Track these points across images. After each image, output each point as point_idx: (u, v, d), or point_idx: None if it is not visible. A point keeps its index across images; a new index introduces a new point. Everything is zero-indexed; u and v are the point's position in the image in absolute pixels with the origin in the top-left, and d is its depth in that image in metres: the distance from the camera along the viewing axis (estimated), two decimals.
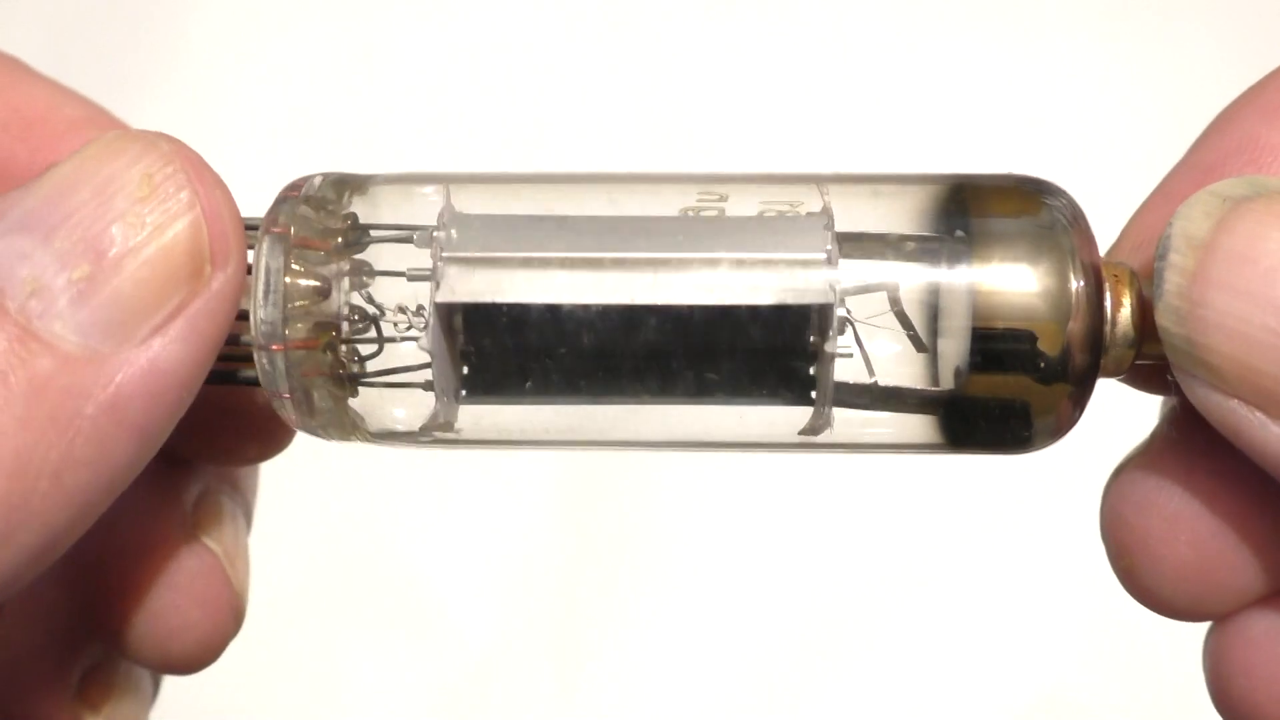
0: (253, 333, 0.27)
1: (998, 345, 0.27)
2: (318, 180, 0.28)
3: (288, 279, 0.27)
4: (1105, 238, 0.29)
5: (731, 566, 0.67)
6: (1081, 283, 0.26)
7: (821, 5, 0.76)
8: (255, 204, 0.28)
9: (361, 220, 0.28)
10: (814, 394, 0.28)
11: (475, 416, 0.29)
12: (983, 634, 0.65)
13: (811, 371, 0.28)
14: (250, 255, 0.27)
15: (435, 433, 0.28)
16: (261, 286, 0.27)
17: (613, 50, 0.75)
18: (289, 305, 0.27)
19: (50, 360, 0.23)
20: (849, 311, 0.27)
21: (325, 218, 0.28)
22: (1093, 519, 0.29)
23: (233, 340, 0.27)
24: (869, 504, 0.67)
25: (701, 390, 0.28)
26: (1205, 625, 0.29)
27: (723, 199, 0.29)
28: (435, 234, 0.28)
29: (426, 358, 0.27)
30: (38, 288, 0.24)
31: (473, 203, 0.29)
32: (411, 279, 0.28)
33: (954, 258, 0.27)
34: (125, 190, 0.24)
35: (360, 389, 0.28)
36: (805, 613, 0.66)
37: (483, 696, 0.65)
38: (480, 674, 0.65)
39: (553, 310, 0.27)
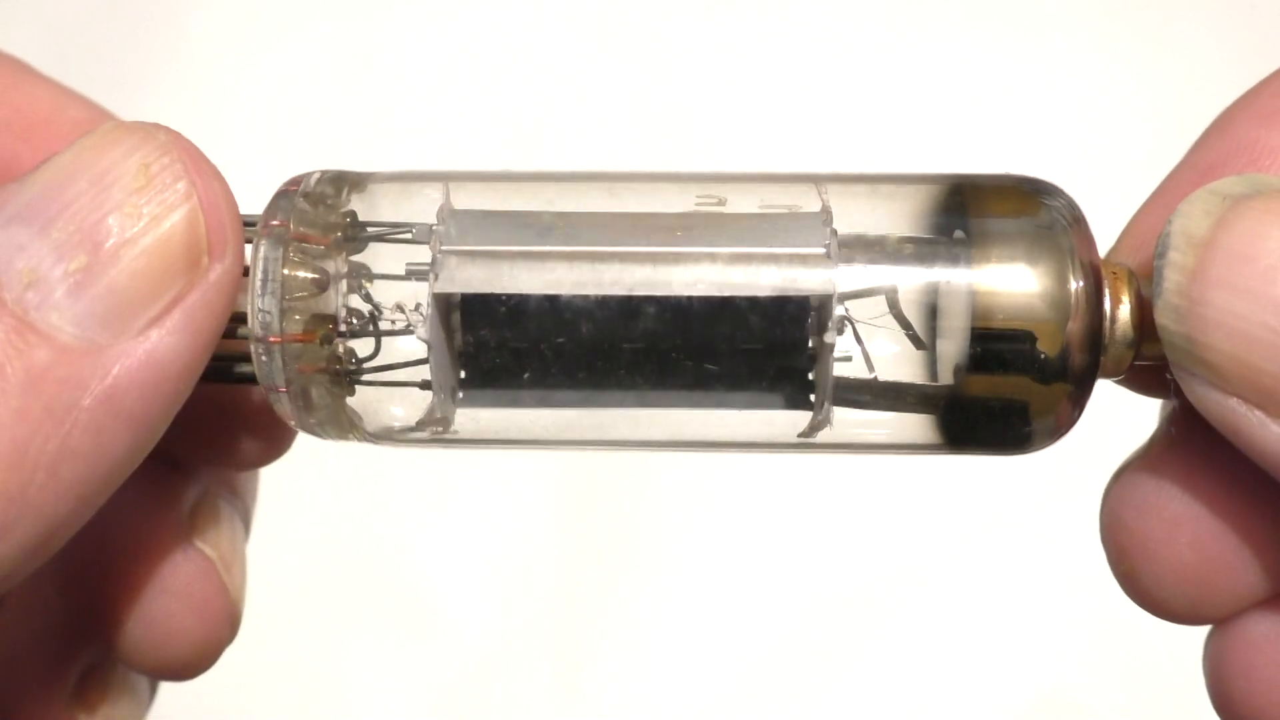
0: (250, 324, 0.27)
1: (997, 345, 0.27)
2: (316, 176, 0.28)
3: (286, 270, 0.27)
4: (1105, 239, 0.29)
5: (731, 566, 0.66)
6: (1081, 283, 0.26)
7: (821, 5, 0.75)
8: (255, 203, 0.28)
9: (360, 218, 0.28)
10: (813, 391, 0.28)
11: (473, 413, 0.29)
12: (983, 634, 0.65)
13: (810, 365, 0.27)
14: (249, 250, 0.27)
15: (432, 428, 0.28)
16: (259, 278, 0.27)
17: (613, 50, 0.75)
18: (287, 297, 0.27)
19: (47, 351, 0.23)
20: (846, 310, 0.27)
21: (324, 213, 0.28)
22: (1093, 521, 0.29)
23: (230, 334, 0.27)
24: (870, 504, 0.67)
25: (700, 384, 0.28)
26: (1205, 627, 0.29)
27: (721, 202, 0.29)
28: (434, 228, 0.28)
29: (424, 352, 0.27)
30: (35, 279, 0.23)
31: (471, 201, 0.29)
32: (410, 274, 0.28)
33: (953, 258, 0.27)
34: (122, 181, 0.24)
35: (358, 388, 0.28)
36: (805, 613, 0.66)
37: (483, 696, 0.65)
38: (480, 674, 0.65)
39: (550, 301, 0.27)
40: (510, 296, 0.27)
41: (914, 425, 0.28)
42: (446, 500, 0.67)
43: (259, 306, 0.27)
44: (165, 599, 0.32)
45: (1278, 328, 0.23)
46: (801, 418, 0.28)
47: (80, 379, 0.23)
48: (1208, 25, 0.73)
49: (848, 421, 0.28)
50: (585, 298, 0.27)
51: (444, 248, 0.28)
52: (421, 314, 0.27)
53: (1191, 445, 0.27)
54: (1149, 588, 0.28)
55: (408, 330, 0.28)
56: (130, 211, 0.24)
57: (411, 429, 0.29)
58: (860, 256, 0.27)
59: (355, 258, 0.28)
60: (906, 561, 0.66)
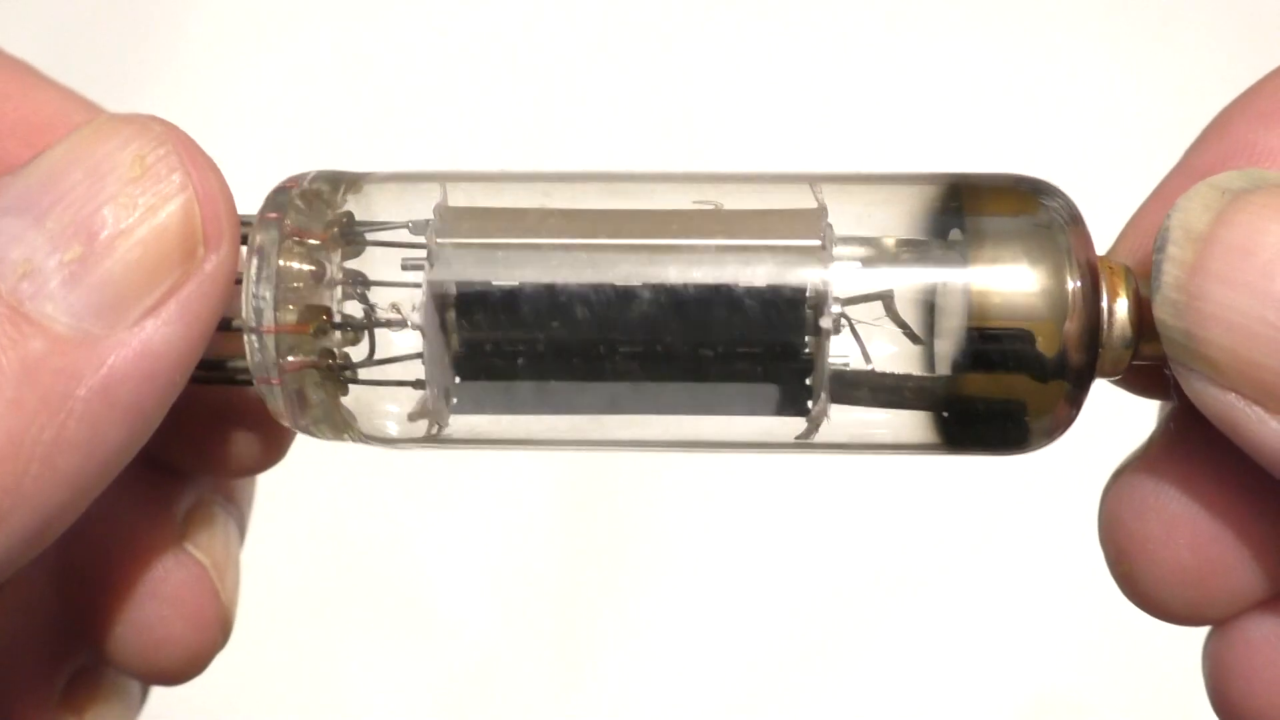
0: (244, 313, 0.27)
1: (994, 344, 0.27)
2: (312, 175, 0.28)
3: (281, 261, 0.27)
4: (1104, 239, 0.29)
5: (731, 566, 0.66)
6: (1078, 282, 0.26)
7: (821, 5, 0.75)
8: (254, 204, 0.28)
9: (357, 219, 0.28)
10: (809, 381, 0.28)
11: (468, 409, 0.29)
12: (982, 634, 0.65)
13: (806, 356, 0.27)
14: (245, 248, 0.27)
15: (426, 421, 0.28)
16: (254, 267, 0.27)
17: (612, 52, 0.75)
18: (282, 288, 0.27)
19: (42, 342, 0.23)
20: (842, 307, 0.27)
21: (320, 209, 0.28)
22: (1092, 521, 0.29)
23: (224, 325, 0.26)
24: (869, 505, 0.67)
25: (696, 373, 0.28)
26: (1204, 628, 0.29)
27: (718, 207, 0.29)
28: (430, 221, 0.28)
29: (419, 346, 0.27)
30: (29, 269, 0.23)
31: (468, 201, 0.29)
32: (406, 267, 0.28)
33: (950, 257, 0.27)
34: (117, 172, 0.24)
35: (352, 388, 0.28)
36: (805, 613, 0.66)
37: (483, 696, 0.65)
38: (480, 674, 0.65)
39: (546, 289, 0.27)
40: (505, 286, 0.27)
41: (911, 425, 0.28)
42: (446, 500, 0.67)
43: (253, 292, 0.27)
44: (156, 604, 0.32)
45: (1277, 323, 0.23)
46: (798, 418, 0.28)
47: (75, 370, 0.23)
48: (1207, 25, 0.73)
49: (846, 419, 0.28)
50: (580, 286, 0.27)
51: (440, 240, 0.28)
52: (415, 304, 0.27)
53: (1190, 446, 0.27)
54: (1148, 589, 0.28)
55: (402, 323, 0.28)
56: (125, 202, 0.24)
57: (406, 426, 0.29)
58: (856, 252, 0.27)
59: (351, 263, 0.28)
60: (906, 562, 0.66)
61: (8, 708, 0.33)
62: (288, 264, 0.27)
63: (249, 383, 0.27)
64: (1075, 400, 0.27)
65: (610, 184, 0.29)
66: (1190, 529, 0.27)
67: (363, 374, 0.28)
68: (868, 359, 0.28)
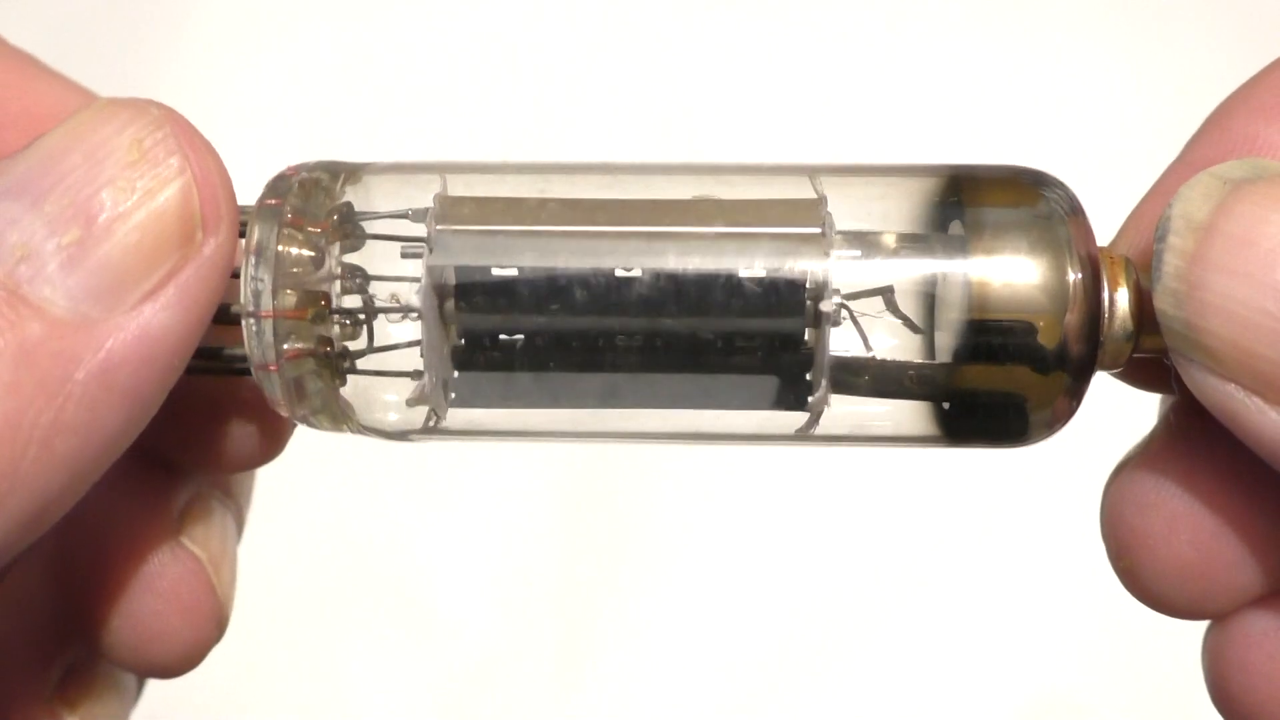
0: (243, 297, 0.27)
1: (995, 337, 0.27)
2: (312, 164, 0.28)
3: (280, 247, 0.27)
4: (1105, 234, 0.29)
5: (731, 566, 0.66)
6: (1079, 274, 0.26)
7: (822, 3, 0.75)
8: (254, 198, 0.28)
9: (356, 209, 0.28)
10: (810, 369, 0.28)
11: (466, 397, 0.29)
12: (982, 634, 0.65)
13: (807, 340, 0.27)
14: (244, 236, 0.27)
15: (423, 406, 0.28)
16: (254, 251, 0.27)
17: (612, 46, 0.75)
18: (281, 273, 0.27)
19: (40, 325, 0.23)
20: (841, 297, 0.27)
21: (320, 198, 0.28)
22: (1093, 518, 0.29)
23: (222, 311, 0.26)
24: (869, 503, 0.67)
25: (696, 360, 0.28)
26: (1205, 624, 0.29)
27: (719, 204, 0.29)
28: (430, 209, 0.28)
29: (417, 334, 0.27)
30: (27, 253, 0.23)
31: (467, 192, 0.29)
32: (406, 254, 0.28)
33: (950, 249, 0.27)
34: (115, 156, 0.24)
35: (350, 378, 0.28)
36: (805, 612, 0.66)
37: (483, 696, 0.65)
38: (480, 674, 0.65)
39: (545, 275, 0.27)
40: (503, 274, 0.27)
41: (912, 416, 0.28)
42: (446, 499, 0.67)
43: (252, 274, 0.26)
44: (152, 598, 0.32)
45: (1277, 313, 0.23)
46: (800, 403, 0.28)
47: (74, 353, 0.23)
48: (1208, 21, 0.73)
49: (847, 410, 0.28)
50: (579, 271, 0.27)
51: (439, 227, 0.28)
52: (416, 289, 0.27)
53: (1191, 441, 0.27)
54: (1149, 584, 0.28)
55: (402, 309, 0.28)
56: (124, 186, 0.24)
57: (405, 418, 0.28)
58: (856, 242, 0.27)
59: (350, 258, 0.28)
60: (907, 560, 0.66)
61: (2, 701, 0.33)
62: (287, 249, 0.27)
63: (247, 371, 0.27)
64: (1076, 392, 0.27)
65: (610, 175, 0.29)
66: (1191, 525, 0.27)
67: (361, 365, 0.28)
68: (868, 345, 0.27)
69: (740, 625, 0.66)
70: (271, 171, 0.28)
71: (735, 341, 0.28)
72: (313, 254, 0.27)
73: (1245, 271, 0.23)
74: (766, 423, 0.29)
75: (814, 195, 0.28)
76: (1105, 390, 0.29)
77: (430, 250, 0.27)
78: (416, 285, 0.27)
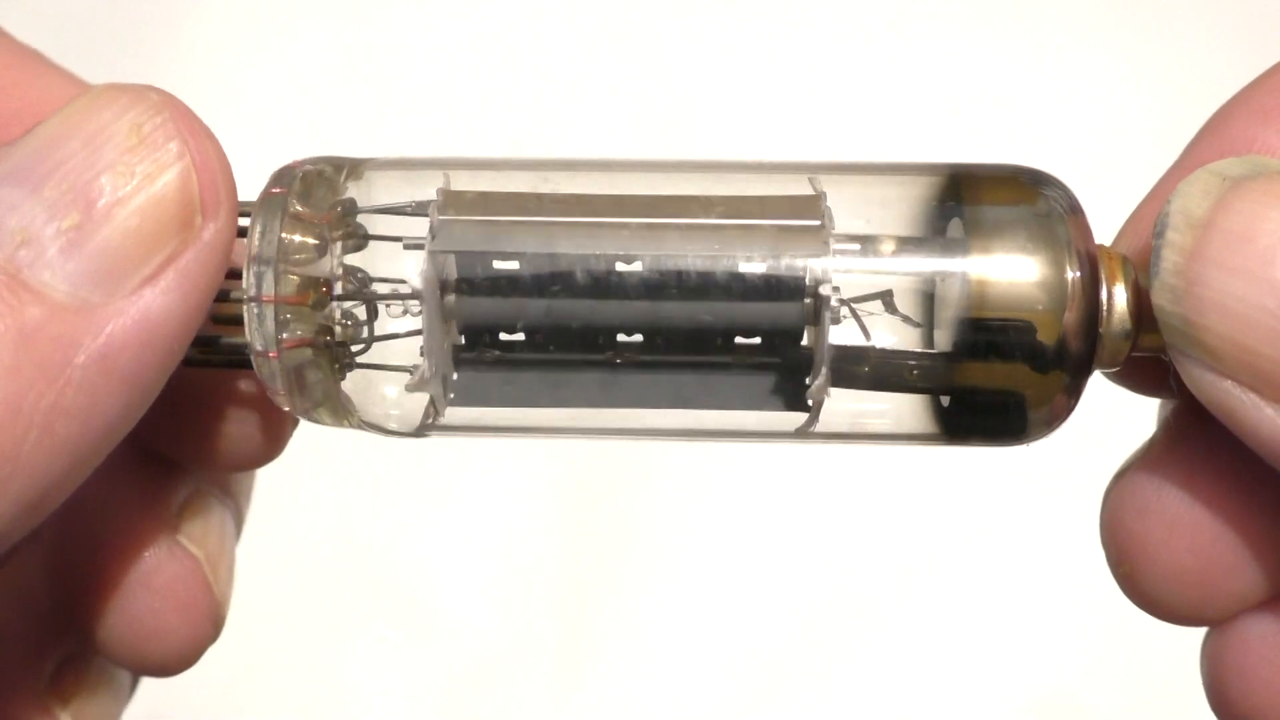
0: (245, 282, 0.27)
1: (994, 335, 0.27)
2: (315, 158, 0.28)
3: (283, 234, 0.27)
4: (1105, 235, 0.29)
5: (732, 565, 0.66)
6: (1078, 272, 0.26)
7: (821, 2, 0.75)
8: (257, 194, 0.28)
9: (359, 205, 0.28)
10: (810, 361, 0.28)
11: (466, 392, 0.29)
12: (983, 633, 0.65)
13: (803, 339, 0.28)
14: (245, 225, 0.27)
15: (424, 392, 0.28)
16: (256, 237, 0.27)
17: (614, 45, 0.75)
18: (283, 259, 0.27)
19: (40, 309, 0.23)
20: (839, 290, 0.27)
21: (324, 191, 0.28)
22: (1093, 521, 0.29)
23: (223, 297, 0.26)
24: (870, 503, 0.67)
25: (696, 352, 0.28)
26: (1203, 629, 0.29)
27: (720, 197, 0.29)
28: (433, 201, 0.28)
29: (417, 324, 0.27)
30: (27, 237, 0.23)
31: (470, 188, 0.29)
32: (408, 246, 0.28)
33: (949, 247, 0.27)
34: (114, 141, 0.24)
35: (350, 373, 0.28)
36: (806, 612, 0.66)
37: (483, 696, 0.65)
38: (480, 674, 0.65)
39: (547, 260, 0.27)
40: (505, 267, 0.27)
41: (911, 414, 0.28)
42: (446, 499, 0.67)
43: (254, 254, 0.27)
44: (148, 595, 0.32)
45: (1275, 310, 0.23)
46: (799, 395, 0.28)
47: (73, 337, 0.23)
48: (1208, 22, 0.73)
49: (846, 406, 0.28)
50: (581, 258, 0.27)
51: (441, 218, 0.28)
52: (418, 271, 0.27)
53: (1191, 446, 0.27)
54: (1149, 590, 0.28)
55: (402, 296, 0.28)
56: (123, 170, 0.24)
57: (406, 412, 0.28)
58: (856, 240, 0.28)
59: (351, 259, 0.28)
60: (907, 561, 0.66)
61: None
62: (289, 236, 0.27)
63: (247, 363, 0.27)
64: (1074, 391, 0.27)
65: (610, 171, 0.29)
66: (1191, 530, 0.27)
67: (362, 360, 0.28)
68: (867, 336, 0.27)
69: (740, 625, 0.66)
70: (272, 169, 0.29)
71: (735, 334, 0.28)
72: (315, 242, 0.27)
73: (1243, 268, 0.23)
74: (767, 417, 0.28)
75: (813, 193, 0.28)
76: (1105, 393, 0.29)
77: (433, 238, 0.27)
78: (419, 271, 0.27)
